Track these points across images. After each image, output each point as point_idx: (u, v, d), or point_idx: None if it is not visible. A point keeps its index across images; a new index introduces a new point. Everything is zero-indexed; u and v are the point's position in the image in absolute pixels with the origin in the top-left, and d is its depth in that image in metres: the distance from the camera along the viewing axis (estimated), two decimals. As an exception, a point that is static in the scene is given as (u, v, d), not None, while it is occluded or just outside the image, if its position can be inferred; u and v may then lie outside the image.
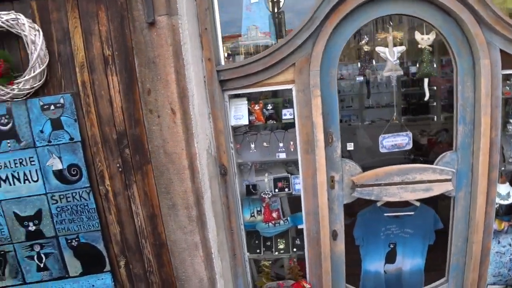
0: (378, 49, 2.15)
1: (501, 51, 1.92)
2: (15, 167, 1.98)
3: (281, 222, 2.45)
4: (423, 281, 2.39)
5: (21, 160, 1.98)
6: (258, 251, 2.47)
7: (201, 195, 2.16)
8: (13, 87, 1.89)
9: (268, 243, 2.51)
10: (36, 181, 1.99)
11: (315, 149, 2.20)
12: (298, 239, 2.47)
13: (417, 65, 2.19)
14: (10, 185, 2.00)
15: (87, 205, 2.01)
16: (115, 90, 1.96)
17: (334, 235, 2.35)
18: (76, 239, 2.04)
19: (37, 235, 2.06)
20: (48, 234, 2.05)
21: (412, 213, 2.26)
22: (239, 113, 2.37)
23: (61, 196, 2.00)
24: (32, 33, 1.86)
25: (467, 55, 1.97)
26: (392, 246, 2.35)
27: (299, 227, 2.39)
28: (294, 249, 2.46)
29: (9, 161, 1.98)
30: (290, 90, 2.22)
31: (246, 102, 2.37)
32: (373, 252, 2.38)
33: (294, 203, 2.51)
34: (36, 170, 1.98)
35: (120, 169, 2.02)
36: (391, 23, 2.10)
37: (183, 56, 2.04)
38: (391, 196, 2.15)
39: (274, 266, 2.70)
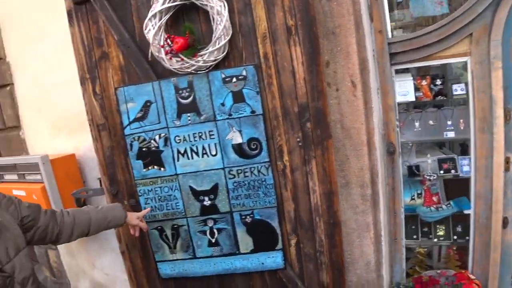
0: None
1: None
2: (194, 140, 1.94)
3: (443, 206, 2.29)
4: None
5: (200, 134, 1.93)
6: (415, 236, 2.33)
7: (376, 173, 2.05)
8: (198, 59, 1.83)
9: (426, 229, 2.35)
10: (215, 155, 1.94)
11: (492, 127, 2.03)
12: (459, 225, 2.28)
13: None
14: (188, 159, 1.96)
15: (264, 180, 1.94)
16: (298, 61, 1.88)
17: (504, 222, 2.15)
18: (251, 215, 1.99)
19: (212, 210, 2.02)
20: (223, 209, 2.00)
21: None
22: (404, 89, 2.23)
23: (239, 171, 1.94)
24: (218, 4, 1.80)
25: None
26: None
27: (466, 212, 2.20)
28: (455, 237, 2.27)
29: (188, 135, 1.95)
30: (458, 63, 2.05)
31: (411, 77, 2.20)
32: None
33: (455, 186, 2.33)
34: (215, 144, 1.93)
35: (299, 144, 1.94)
36: None
37: (362, 26, 1.90)
38: None
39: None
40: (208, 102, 1.96)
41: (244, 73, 1.91)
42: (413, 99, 2.27)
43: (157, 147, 2.04)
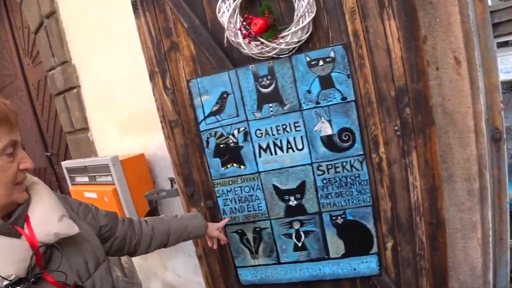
0: None
1: None
2: (278, 134, 1.73)
3: None
4: None
5: (284, 126, 1.72)
6: None
7: (484, 164, 1.78)
8: (280, 41, 1.62)
9: None
10: (301, 149, 1.72)
11: None
12: None
13: None
14: (271, 154, 1.76)
15: (358, 176, 1.70)
16: (393, 37, 1.63)
17: None
18: (342, 216, 1.76)
19: (298, 211, 1.81)
20: (311, 210, 1.78)
21: None
22: (506, 66, 1.88)
23: (329, 166, 1.71)
24: (300, -24, 1.57)
25: None
26: None
27: None
28: None
29: (271, 128, 1.74)
30: None
31: None
32: None
33: None
34: (301, 137, 1.72)
35: (397, 133, 1.68)
36: None
37: None
38: None
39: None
40: (292, 90, 1.75)
41: (332, 54, 1.69)
42: (520, 76, 1.94)
43: (236, 142, 1.86)
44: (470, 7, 1.87)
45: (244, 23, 1.70)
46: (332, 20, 1.76)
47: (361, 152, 1.79)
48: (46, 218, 1.12)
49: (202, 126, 1.92)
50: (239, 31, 1.71)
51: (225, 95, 1.86)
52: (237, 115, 1.86)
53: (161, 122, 2.04)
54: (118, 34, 2.39)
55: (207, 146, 1.93)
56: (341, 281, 1.99)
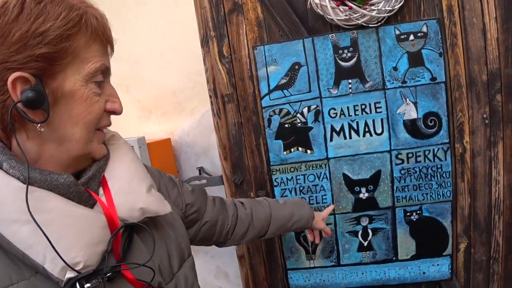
0: None
1: None
2: (355, 115, 1.53)
3: None
4: None
5: (363, 106, 1.51)
6: None
7: None
8: (372, 7, 1.41)
9: None
10: (380, 133, 1.52)
11: None
12: None
13: None
14: (345, 138, 1.54)
15: (440, 167, 1.53)
16: (490, 16, 1.49)
17: None
18: (418, 212, 1.57)
19: (368, 205, 1.61)
20: (383, 204, 1.57)
21: None
22: None
23: (409, 155, 1.52)
24: None
25: None
26: None
27: None
28: None
29: (347, 107, 1.53)
30: None
31: None
32: None
33: None
34: (381, 120, 1.52)
35: (486, 122, 1.53)
36: None
37: None
38: None
39: None
40: (376, 66, 1.55)
41: (424, 29, 1.51)
42: None
43: (305, 123, 1.61)
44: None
45: (333, -16, 1.48)
46: (425, -8, 1.58)
47: (447, 140, 1.61)
48: (130, 187, 0.78)
49: (265, 102, 1.65)
50: (326, -7, 1.48)
51: (296, 67, 1.61)
52: (309, 91, 1.62)
53: (210, 96, 1.75)
54: (150, 4, 2.07)
55: (269, 126, 1.66)
56: (406, 286, 1.77)
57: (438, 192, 1.66)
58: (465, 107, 1.63)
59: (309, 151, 1.67)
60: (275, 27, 1.65)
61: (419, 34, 1.56)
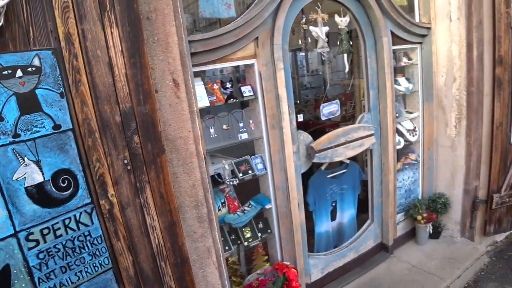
0: (312, 28, 2.46)
1: (391, 32, 2.66)
2: None
3: (246, 208, 2.36)
4: (356, 227, 2.92)
5: None
6: (227, 247, 2.26)
7: (207, 189, 1.86)
8: None
9: (234, 236, 2.34)
10: None
11: (281, 122, 2.27)
12: (260, 222, 2.43)
13: (338, 44, 2.65)
14: None
15: (89, 234, 1.35)
16: (116, 49, 1.43)
17: (299, 206, 2.48)
18: None
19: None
20: None
21: (345, 170, 2.73)
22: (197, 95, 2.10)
23: (45, 231, 1.25)
24: None
25: (371, 35, 2.62)
26: (334, 204, 2.77)
27: (267, 207, 2.38)
28: (259, 234, 2.41)
29: None
30: (242, 66, 2.31)
31: (202, 81, 2.12)
32: (323, 214, 2.75)
33: (246, 187, 2.44)
34: None
35: (128, 168, 1.47)
36: (319, 6, 2.43)
37: (180, 14, 1.68)
38: (338, 156, 2.59)
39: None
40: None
41: (37, 62, 1.19)
42: (208, 104, 2.13)
43: None
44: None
45: None
46: (36, 14, 1.22)
47: (89, 200, 1.33)
48: None
49: None
50: None
51: None
52: None
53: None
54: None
55: None
56: None
57: (95, 264, 1.35)
58: (103, 156, 1.39)
59: None
60: None
61: (29, 69, 1.17)
